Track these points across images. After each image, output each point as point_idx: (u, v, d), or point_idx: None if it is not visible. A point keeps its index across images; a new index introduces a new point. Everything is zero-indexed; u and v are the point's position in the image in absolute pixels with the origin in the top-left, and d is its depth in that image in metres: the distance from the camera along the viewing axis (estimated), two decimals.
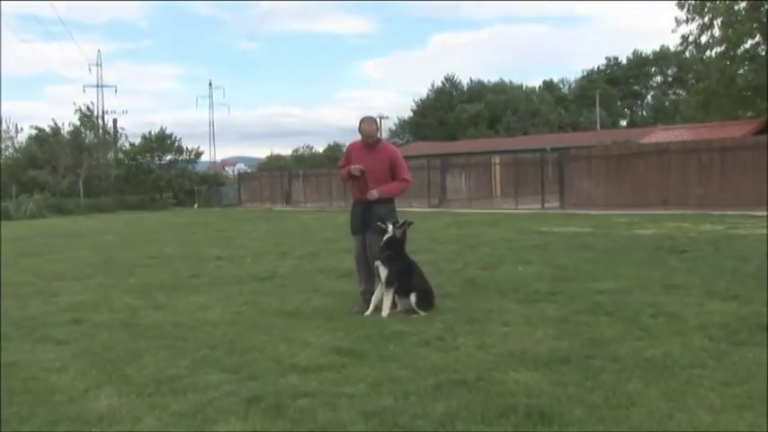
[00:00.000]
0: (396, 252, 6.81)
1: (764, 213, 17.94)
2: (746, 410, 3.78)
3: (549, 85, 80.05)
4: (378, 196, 7.02)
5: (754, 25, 29.50)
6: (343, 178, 7.33)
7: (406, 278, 6.77)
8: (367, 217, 7.09)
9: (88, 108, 45.75)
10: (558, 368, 4.64)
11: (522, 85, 79.11)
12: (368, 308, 6.84)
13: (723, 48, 30.85)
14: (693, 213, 19.49)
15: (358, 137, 7.24)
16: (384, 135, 70.94)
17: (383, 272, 6.74)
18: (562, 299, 7.05)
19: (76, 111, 44.89)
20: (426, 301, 6.71)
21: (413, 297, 6.67)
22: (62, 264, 12.29)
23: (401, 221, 6.92)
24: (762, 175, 21.62)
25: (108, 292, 8.72)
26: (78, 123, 44.74)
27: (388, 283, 6.72)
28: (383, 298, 6.74)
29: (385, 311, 6.64)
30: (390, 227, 6.83)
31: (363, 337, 5.71)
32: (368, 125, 7.07)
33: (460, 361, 4.94)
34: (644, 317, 6.07)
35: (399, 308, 6.77)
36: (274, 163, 65.22)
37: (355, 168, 7.03)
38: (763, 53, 30.52)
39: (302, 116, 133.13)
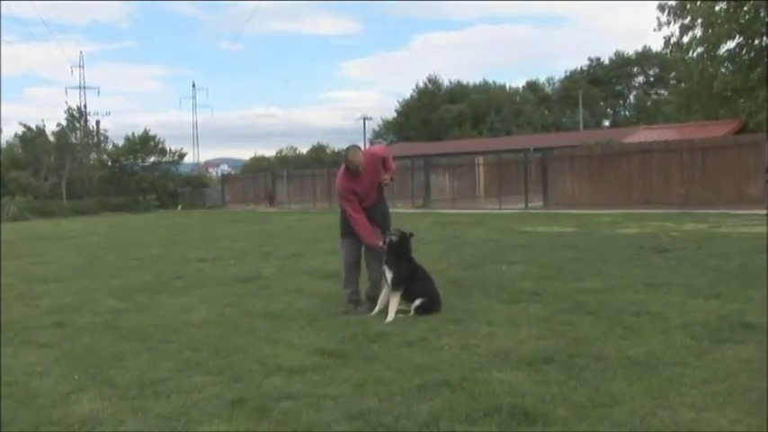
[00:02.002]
0: (397, 255, 6.76)
1: (745, 212, 18.13)
2: (728, 407, 3.82)
3: (532, 86, 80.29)
4: (390, 178, 7.09)
5: (734, 26, 29.72)
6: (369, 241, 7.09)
7: (412, 284, 6.70)
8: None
9: (79, 110, 45.54)
10: (542, 367, 4.66)
11: (505, 86, 79.38)
12: (372, 308, 6.85)
13: (703, 48, 31.07)
14: (676, 212, 19.63)
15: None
16: (368, 135, 71.11)
17: (389, 274, 6.69)
18: (546, 298, 7.07)
19: (66, 110, 44.75)
20: (427, 309, 6.59)
21: (416, 302, 6.62)
22: (45, 266, 12.19)
23: (393, 231, 6.93)
24: (742, 175, 21.87)
25: (91, 295, 8.65)
26: (64, 124, 44.52)
27: (395, 286, 6.64)
28: (389, 301, 6.65)
29: (390, 316, 6.50)
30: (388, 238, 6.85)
31: (347, 338, 5.71)
32: (355, 155, 6.93)
33: (445, 361, 4.95)
34: (627, 316, 6.11)
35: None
36: (258, 164, 65.08)
37: (385, 178, 7.07)
38: (743, 54, 30.75)
39: (286, 117, 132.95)
